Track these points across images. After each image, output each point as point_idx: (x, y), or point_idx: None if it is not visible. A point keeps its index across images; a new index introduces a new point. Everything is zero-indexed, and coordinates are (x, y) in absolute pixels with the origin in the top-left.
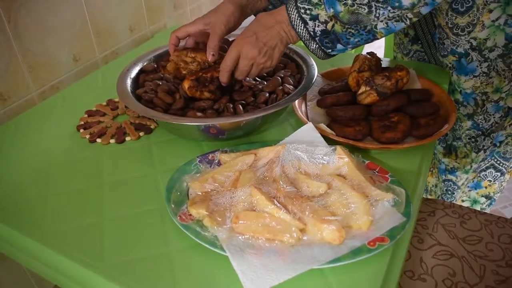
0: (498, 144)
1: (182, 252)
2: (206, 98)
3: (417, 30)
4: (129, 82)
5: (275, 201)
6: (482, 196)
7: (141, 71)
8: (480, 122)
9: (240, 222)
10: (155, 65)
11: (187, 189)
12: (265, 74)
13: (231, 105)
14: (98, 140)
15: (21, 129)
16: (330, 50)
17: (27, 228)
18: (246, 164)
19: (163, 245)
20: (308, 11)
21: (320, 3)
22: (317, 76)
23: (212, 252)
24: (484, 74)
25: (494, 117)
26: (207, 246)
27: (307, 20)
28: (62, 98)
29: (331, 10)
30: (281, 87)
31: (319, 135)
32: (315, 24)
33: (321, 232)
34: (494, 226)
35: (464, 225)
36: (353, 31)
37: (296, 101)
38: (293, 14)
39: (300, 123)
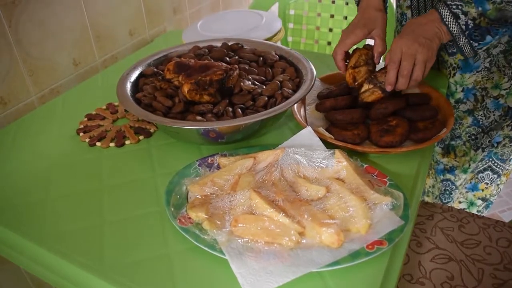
0: (495, 145)
1: (181, 255)
2: (206, 101)
3: None
4: (129, 86)
5: (274, 204)
6: (479, 198)
7: (141, 75)
8: (481, 118)
9: (239, 225)
10: (155, 69)
11: (187, 192)
12: (263, 78)
13: (231, 109)
14: (98, 143)
15: (21, 132)
16: (477, 44)
17: (27, 230)
18: (246, 167)
19: (163, 247)
20: (460, 7)
21: (471, 1)
22: (316, 80)
23: (212, 254)
24: (486, 69)
25: (494, 115)
26: (206, 249)
27: (459, 14)
28: (62, 101)
29: (480, 8)
30: (280, 91)
31: (318, 139)
32: (466, 18)
33: (320, 235)
34: (492, 230)
35: (462, 229)
36: (497, 25)
37: (295, 105)
38: (444, 11)
39: (299, 127)
